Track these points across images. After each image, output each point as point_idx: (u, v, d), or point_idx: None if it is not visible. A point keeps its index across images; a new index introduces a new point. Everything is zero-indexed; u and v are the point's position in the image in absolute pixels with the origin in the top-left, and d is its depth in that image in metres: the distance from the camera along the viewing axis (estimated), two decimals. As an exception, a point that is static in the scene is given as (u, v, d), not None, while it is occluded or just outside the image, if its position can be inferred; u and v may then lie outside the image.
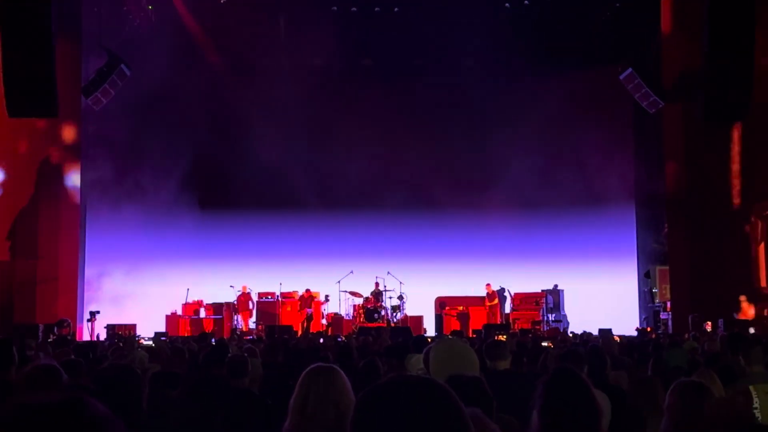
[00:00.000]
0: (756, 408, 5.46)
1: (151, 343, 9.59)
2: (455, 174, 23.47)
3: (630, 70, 20.32)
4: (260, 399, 5.40)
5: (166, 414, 4.01)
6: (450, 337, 5.64)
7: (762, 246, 19.71)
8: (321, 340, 14.43)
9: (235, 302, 21.69)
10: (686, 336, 14.57)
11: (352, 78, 23.65)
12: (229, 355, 6.44)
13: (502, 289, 22.01)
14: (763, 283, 19.45)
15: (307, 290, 21.88)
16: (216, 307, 21.53)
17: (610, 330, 17.37)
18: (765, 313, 19.10)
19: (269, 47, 22.67)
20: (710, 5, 16.46)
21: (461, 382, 3.17)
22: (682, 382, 3.68)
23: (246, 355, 6.64)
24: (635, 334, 18.97)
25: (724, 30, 16.87)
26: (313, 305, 21.69)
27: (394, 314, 21.47)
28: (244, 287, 21.78)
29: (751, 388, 5.54)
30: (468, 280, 22.23)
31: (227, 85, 23.10)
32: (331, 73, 23.32)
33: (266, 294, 21.97)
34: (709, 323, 18.04)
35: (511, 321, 21.17)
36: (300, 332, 20.02)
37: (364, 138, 23.15)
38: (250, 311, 21.79)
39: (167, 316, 21.08)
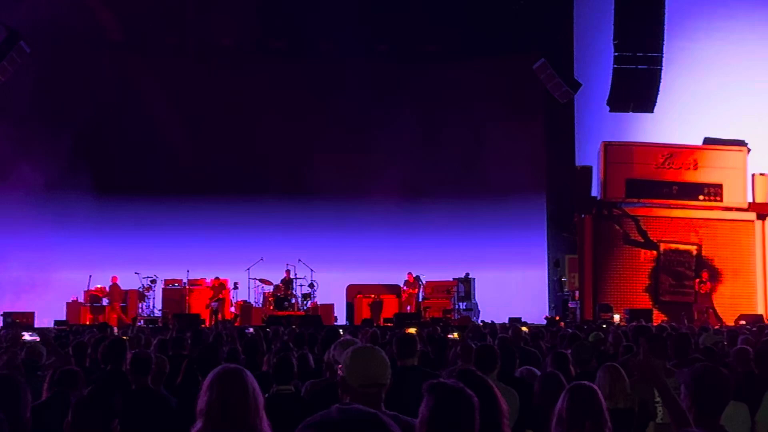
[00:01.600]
0: (657, 402, 5.64)
1: (36, 338, 9.22)
2: (368, 161, 23.49)
3: (543, 60, 20.70)
4: (164, 399, 5.31)
5: (65, 416, 3.92)
6: (354, 340, 5.61)
7: None
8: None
9: (104, 293, 20.89)
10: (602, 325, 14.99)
11: (260, 59, 23.41)
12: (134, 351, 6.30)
13: (417, 278, 22.21)
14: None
15: (216, 278, 21.62)
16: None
17: (519, 319, 17.74)
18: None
19: (175, 26, 22.28)
20: (618, 1, 16.94)
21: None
22: (574, 386, 3.76)
23: (149, 351, 6.53)
24: (544, 322, 19.41)
25: (632, 25, 17.39)
26: (222, 294, 21.43)
27: (305, 302, 21.42)
28: (114, 278, 21.07)
29: (653, 382, 5.71)
30: (380, 268, 22.33)
31: (130, 65, 22.61)
32: (239, 54, 23.05)
33: (173, 281, 21.62)
34: (616, 314, 18.66)
35: (422, 309, 21.38)
36: (208, 322, 19.80)
37: (275, 122, 22.99)
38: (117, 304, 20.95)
39: (68, 304, 20.54)
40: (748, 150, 19.63)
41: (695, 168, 18.81)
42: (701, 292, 19.66)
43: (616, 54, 19.08)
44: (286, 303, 21.05)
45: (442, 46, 22.55)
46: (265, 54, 23.56)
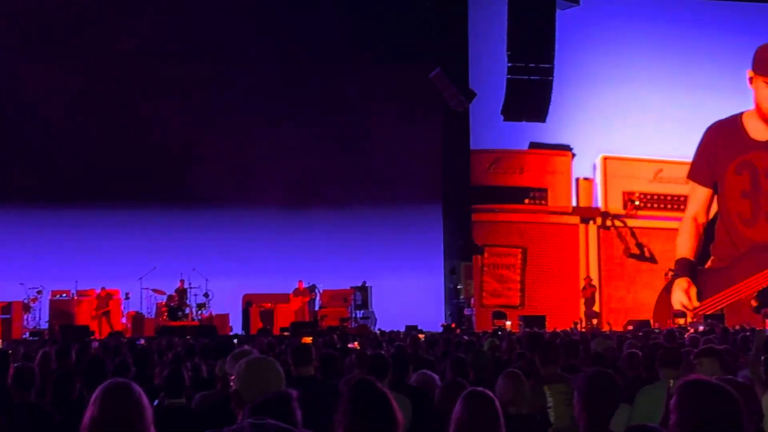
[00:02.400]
0: (550, 407, 5.75)
1: None
2: (264, 168, 23.28)
3: (438, 69, 20.96)
4: (47, 414, 5.10)
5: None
6: (251, 350, 5.51)
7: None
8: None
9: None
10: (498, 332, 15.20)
11: (158, 63, 22.94)
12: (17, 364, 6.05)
13: (313, 286, 22.11)
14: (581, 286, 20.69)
15: (103, 288, 21.01)
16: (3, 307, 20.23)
17: (416, 326, 17.87)
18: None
19: (75, 29, 21.67)
20: (511, 14, 17.34)
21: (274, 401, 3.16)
22: (469, 393, 3.79)
23: (32, 365, 6.26)
24: (440, 330, 19.59)
25: (524, 36, 17.84)
26: (110, 304, 20.84)
27: (199, 312, 21.05)
28: None
29: (545, 388, 5.83)
30: (277, 277, 22.14)
31: (25, 67, 21.85)
32: (131, 58, 22.53)
33: (61, 292, 20.91)
34: (508, 321, 19.03)
35: (319, 318, 21.29)
36: (97, 334, 19.23)
37: (165, 126, 22.56)
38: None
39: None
40: (573, 155, 20.35)
41: (521, 172, 19.49)
42: (586, 296, 20.24)
43: (510, 65, 19.48)
44: (179, 313, 20.64)
45: (339, 52, 22.55)
46: (157, 57, 23.02)
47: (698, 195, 20.58)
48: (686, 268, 20.31)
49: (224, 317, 21.04)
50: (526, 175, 19.14)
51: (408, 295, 22.00)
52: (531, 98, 19.51)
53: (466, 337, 11.78)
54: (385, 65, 23.00)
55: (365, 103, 23.08)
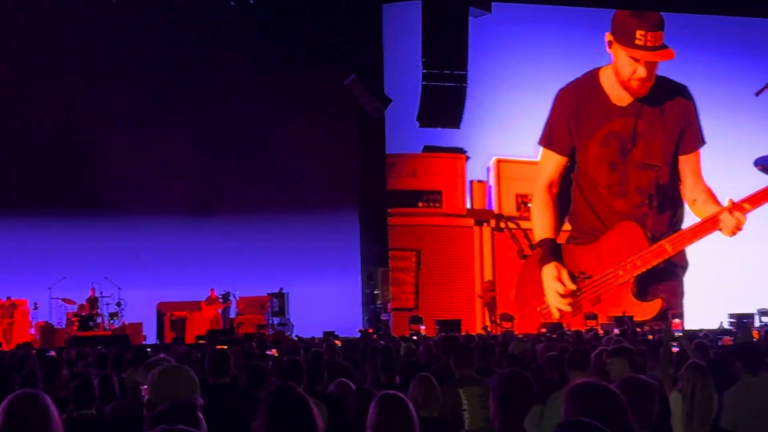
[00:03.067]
0: (464, 410, 5.83)
1: None
2: (176, 174, 22.94)
3: (354, 75, 21.01)
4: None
5: None
6: (166, 358, 5.42)
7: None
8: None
9: None
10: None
11: (41, 70, 22.33)
12: None
13: (228, 294, 21.87)
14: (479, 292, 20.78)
15: (8, 297, 20.39)
16: None
17: (333, 332, 17.86)
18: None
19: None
20: (425, 21, 17.50)
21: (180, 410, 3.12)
22: (382, 397, 3.80)
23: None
24: (358, 335, 19.61)
25: (438, 43, 18.03)
26: (15, 315, 20.23)
27: (112, 321, 20.61)
28: None
29: (460, 391, 5.90)
30: (192, 285, 21.85)
31: None
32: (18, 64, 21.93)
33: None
34: (423, 326, 19.20)
35: (235, 326, 21.08)
36: (4, 344, 18.68)
37: (66, 133, 22.07)
38: None
39: None
40: (467, 157, 20.52)
41: (414, 176, 19.76)
42: (485, 300, 20.40)
43: (425, 71, 19.65)
44: (91, 323, 20.17)
45: (253, 58, 22.40)
46: (46, 65, 22.38)
47: (553, 163, 20.11)
48: (551, 251, 19.87)
49: (137, 326, 20.65)
50: (420, 179, 19.34)
51: (325, 301, 21.96)
52: (446, 104, 19.72)
53: (382, 342, 11.82)
54: (300, 72, 22.94)
55: (281, 110, 22.98)
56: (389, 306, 21.53)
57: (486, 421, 5.01)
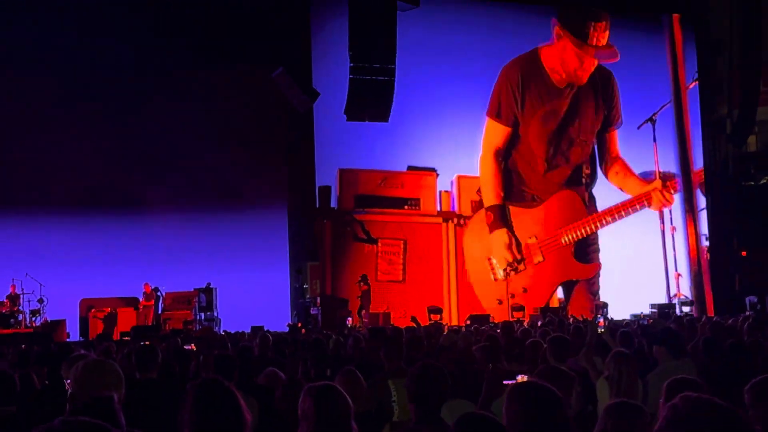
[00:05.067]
0: (394, 401, 5.86)
1: None
2: (101, 168, 22.53)
3: (281, 68, 20.89)
4: None
5: None
6: (87, 354, 5.33)
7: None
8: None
9: None
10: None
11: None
12: None
13: (156, 289, 21.57)
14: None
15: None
16: None
17: (262, 327, 17.75)
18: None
19: None
20: (353, 13, 17.49)
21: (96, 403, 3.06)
22: (315, 387, 3.79)
23: None
24: (287, 329, 19.53)
25: (366, 39, 18.06)
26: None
27: (34, 319, 20.12)
28: None
29: (389, 382, 5.93)
30: (116, 280, 21.50)
31: None
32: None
33: None
34: (355, 318, 19.32)
35: (162, 322, 20.79)
36: None
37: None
38: None
39: None
40: (437, 174, 24.05)
41: (402, 187, 23.02)
42: (363, 289, 21.73)
43: (352, 65, 19.67)
44: (12, 320, 19.66)
45: (179, 51, 22.11)
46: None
47: (499, 133, 22.51)
48: (501, 217, 22.31)
49: (60, 323, 20.18)
50: (406, 189, 22.99)
51: (254, 296, 21.85)
52: (373, 98, 19.79)
53: (314, 336, 11.77)
54: (228, 64, 22.73)
55: (209, 103, 22.78)
56: (318, 300, 21.50)
57: (415, 412, 5.04)
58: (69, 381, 3.47)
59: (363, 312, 21.09)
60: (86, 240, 22.22)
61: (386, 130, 22.26)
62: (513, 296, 21.68)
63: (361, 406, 5.24)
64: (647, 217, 23.54)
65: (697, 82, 23.30)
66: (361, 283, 21.71)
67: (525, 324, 14.13)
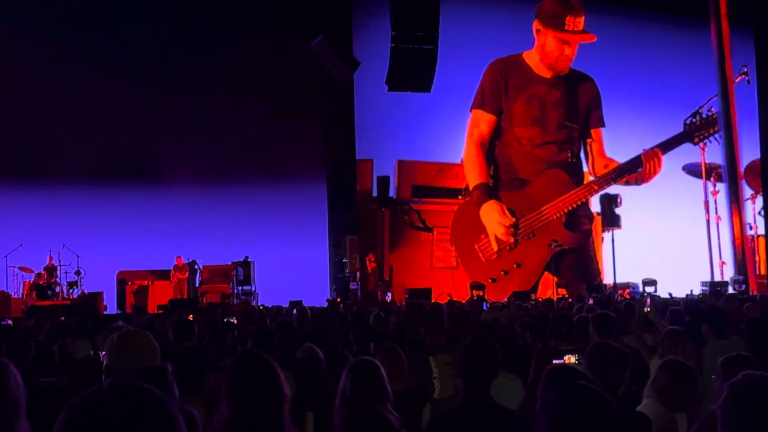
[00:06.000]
0: (435, 378, 5.86)
1: None
2: (137, 142, 22.74)
3: (321, 37, 20.84)
4: None
5: None
6: (124, 326, 5.38)
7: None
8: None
9: None
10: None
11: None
12: None
13: (193, 262, 21.78)
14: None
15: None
16: None
17: (300, 302, 17.86)
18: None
19: None
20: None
21: (149, 373, 3.11)
22: (357, 362, 3.81)
23: None
24: (326, 305, 19.64)
25: (409, 7, 17.95)
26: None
27: (71, 291, 20.45)
28: None
29: (430, 359, 5.92)
30: (154, 253, 21.75)
31: None
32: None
33: None
34: (389, 293, 19.45)
35: (199, 295, 21.01)
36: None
37: (36, 95, 21.82)
38: None
39: None
40: None
41: (456, 178, 23.38)
42: (372, 267, 22.02)
43: (394, 33, 19.56)
44: (49, 292, 20.01)
45: (216, 18, 22.18)
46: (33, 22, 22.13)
47: (484, 123, 22.80)
48: (488, 192, 22.57)
49: (98, 296, 20.49)
50: (460, 179, 23.26)
51: (292, 270, 21.98)
52: (416, 68, 19.70)
53: (355, 309, 11.83)
54: (267, 33, 22.76)
55: (248, 73, 22.86)
56: (357, 275, 21.57)
57: (456, 390, 5.02)
58: (104, 353, 3.50)
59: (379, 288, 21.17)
60: (124, 212, 22.48)
61: (428, 103, 22.33)
62: (507, 273, 21.97)
63: (402, 384, 5.26)
64: (692, 207, 23.48)
65: (743, 76, 23.25)
66: (370, 260, 21.83)
67: (569, 301, 14.05)
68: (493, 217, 22.30)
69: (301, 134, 23.24)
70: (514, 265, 22.22)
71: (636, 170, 22.17)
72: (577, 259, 22.34)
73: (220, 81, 22.79)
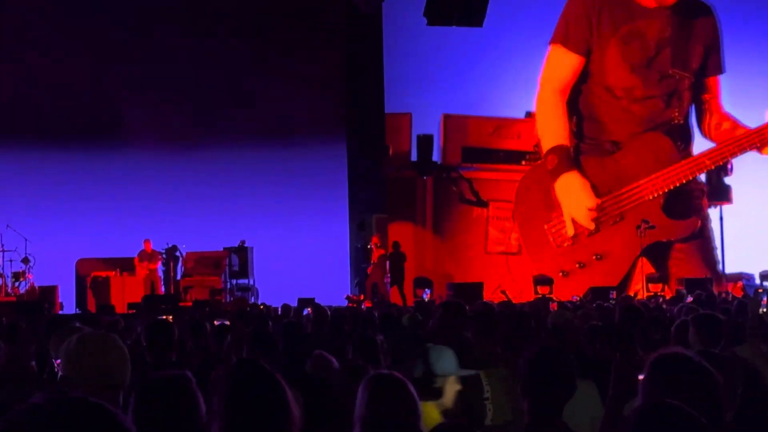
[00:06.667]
0: (487, 399, 5.82)
1: None
2: (98, 92, 22.87)
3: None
4: None
5: None
6: (82, 328, 5.41)
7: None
8: None
9: None
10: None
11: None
12: None
13: (173, 248, 21.86)
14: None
15: None
16: None
17: (312, 299, 17.95)
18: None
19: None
20: None
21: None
22: (375, 376, 3.80)
23: None
24: (345, 303, 19.71)
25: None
26: None
27: (17, 284, 20.65)
28: None
29: (481, 374, 5.88)
30: (123, 236, 21.89)
31: None
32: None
33: None
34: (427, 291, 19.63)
35: (182, 290, 21.14)
36: None
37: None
38: None
39: None
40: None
41: (518, 138, 23.11)
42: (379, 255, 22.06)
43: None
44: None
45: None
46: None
47: (567, 63, 22.59)
48: (568, 159, 22.37)
49: (51, 290, 20.67)
50: (523, 140, 22.92)
51: (301, 259, 22.02)
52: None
53: (382, 311, 11.84)
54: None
55: (248, 12, 22.99)
56: (387, 265, 21.58)
57: (515, 413, 5.01)
58: (58, 361, 3.53)
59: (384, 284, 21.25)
60: (85, 184, 22.61)
61: (481, 41, 22.15)
62: (583, 265, 21.71)
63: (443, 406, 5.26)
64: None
65: None
66: (377, 246, 21.93)
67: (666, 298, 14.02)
68: (572, 195, 22.20)
69: (315, 80, 23.18)
70: (594, 257, 22.06)
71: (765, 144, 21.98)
72: (688, 247, 22.11)
73: (203, 6, 22.88)
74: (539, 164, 22.61)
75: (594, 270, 21.85)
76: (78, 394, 1.64)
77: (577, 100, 22.71)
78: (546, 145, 22.53)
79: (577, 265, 21.82)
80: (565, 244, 22.15)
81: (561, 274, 21.70)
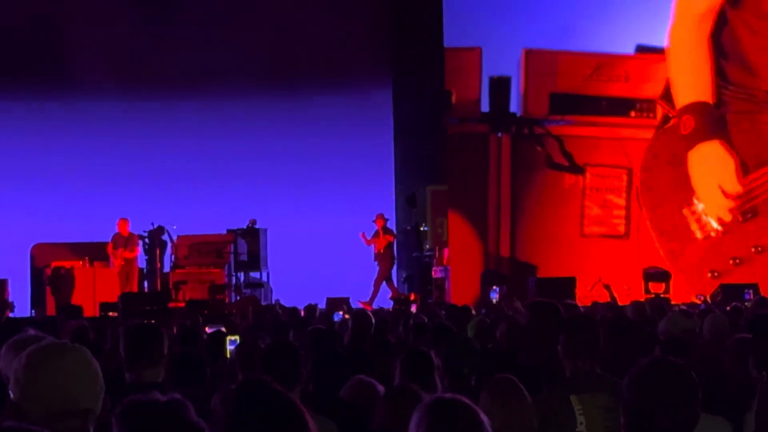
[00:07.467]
0: (580, 430, 5.88)
1: None
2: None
3: None
4: None
5: None
6: (43, 336, 5.47)
7: None
8: None
9: None
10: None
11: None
12: None
13: (159, 229, 21.98)
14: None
15: None
16: None
17: (347, 299, 18.08)
18: None
19: None
20: None
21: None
22: (437, 402, 3.84)
23: None
24: (391, 305, 19.83)
25: None
26: None
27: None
28: None
29: (572, 398, 5.93)
30: (94, 215, 22.10)
31: None
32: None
33: None
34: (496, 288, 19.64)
35: (172, 286, 21.29)
36: None
37: None
38: None
39: None
40: None
41: (626, 81, 22.88)
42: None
43: None
44: None
45: None
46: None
47: None
48: (711, 122, 21.99)
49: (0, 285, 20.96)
50: (632, 84, 22.72)
51: (330, 246, 22.13)
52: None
53: (437, 322, 11.90)
54: None
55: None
56: (446, 254, 21.62)
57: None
58: (10, 381, 3.58)
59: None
60: (39, 144, 22.86)
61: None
62: (739, 262, 21.44)
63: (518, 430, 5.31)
64: None
65: None
66: (384, 231, 22.12)
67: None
68: (710, 175, 21.99)
69: (352, 18, 23.31)
70: (752, 249, 21.83)
71: None
72: None
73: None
74: (673, 125, 22.33)
75: (755, 267, 21.43)
76: (27, 427, 1.67)
77: (719, 34, 22.33)
78: (681, 98, 22.18)
79: (732, 262, 21.52)
80: (712, 234, 21.84)
81: (710, 275, 21.38)
